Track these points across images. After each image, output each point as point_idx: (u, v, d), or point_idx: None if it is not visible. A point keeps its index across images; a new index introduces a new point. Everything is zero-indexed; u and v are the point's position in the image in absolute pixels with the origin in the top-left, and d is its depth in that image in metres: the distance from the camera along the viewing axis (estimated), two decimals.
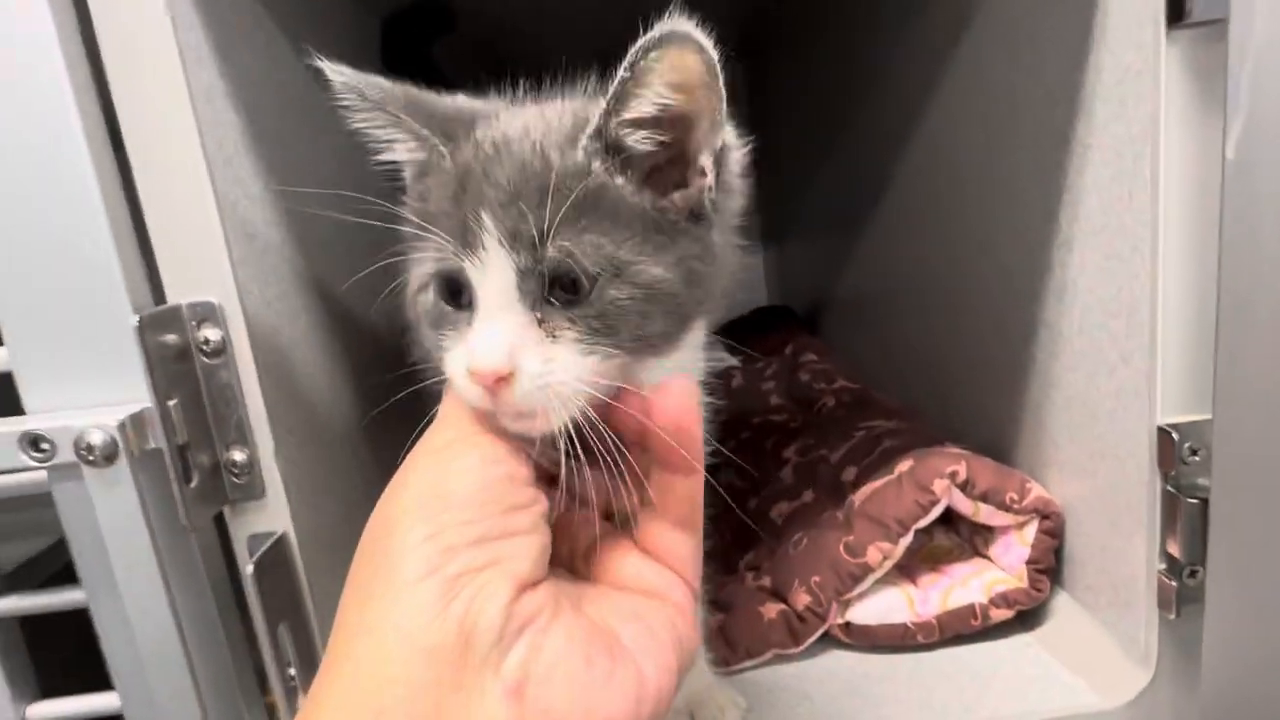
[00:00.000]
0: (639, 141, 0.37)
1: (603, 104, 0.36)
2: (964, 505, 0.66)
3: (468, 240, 0.36)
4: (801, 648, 0.65)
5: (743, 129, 0.43)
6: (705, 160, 0.38)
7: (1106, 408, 0.58)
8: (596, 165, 0.37)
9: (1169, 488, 0.52)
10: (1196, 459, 0.51)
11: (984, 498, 0.66)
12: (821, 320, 1.35)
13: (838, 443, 0.86)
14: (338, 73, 0.39)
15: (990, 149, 0.71)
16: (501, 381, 0.35)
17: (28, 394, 0.47)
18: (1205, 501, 0.50)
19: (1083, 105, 0.56)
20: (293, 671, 0.51)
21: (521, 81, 0.44)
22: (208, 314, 0.48)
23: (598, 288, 0.36)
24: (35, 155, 0.45)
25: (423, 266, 0.39)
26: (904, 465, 0.69)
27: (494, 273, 0.36)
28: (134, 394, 0.46)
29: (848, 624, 0.66)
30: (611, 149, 0.37)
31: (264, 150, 0.55)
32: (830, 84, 1.12)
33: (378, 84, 0.40)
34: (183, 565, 0.48)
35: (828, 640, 0.67)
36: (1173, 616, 0.52)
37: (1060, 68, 0.58)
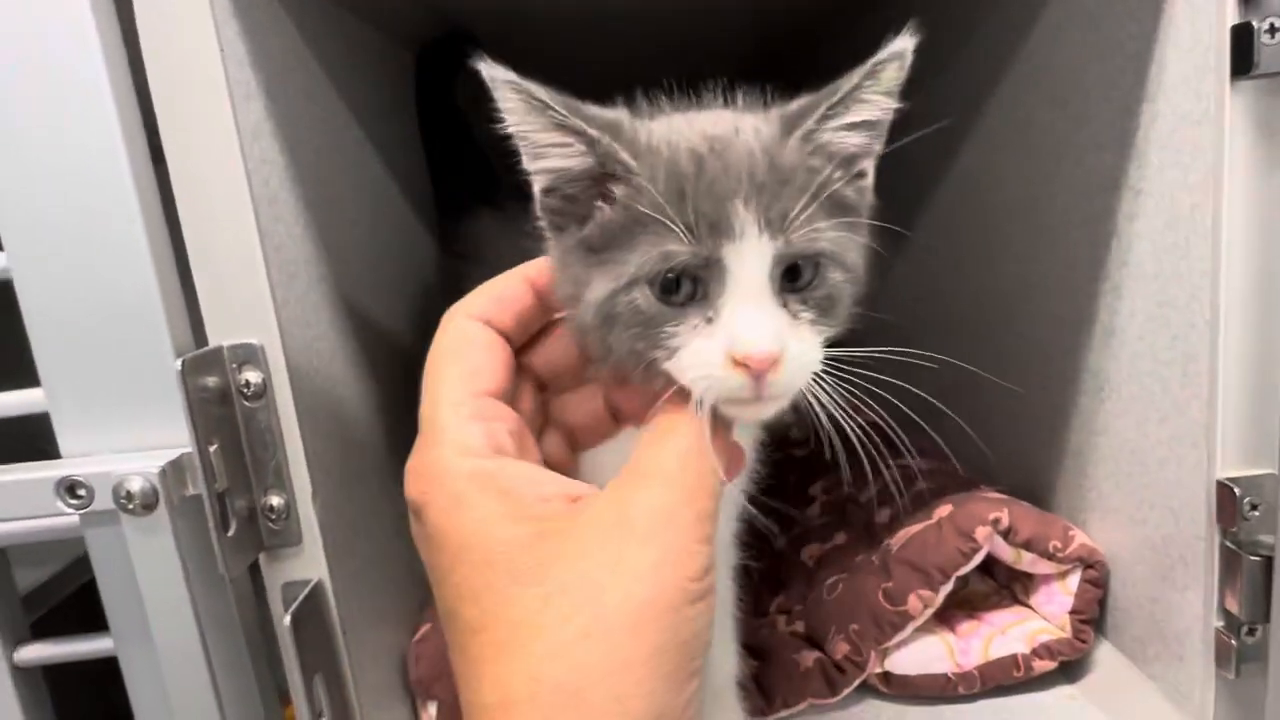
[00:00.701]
0: (849, 143, 0.40)
1: (819, 108, 0.39)
2: (1005, 553, 0.65)
3: (719, 229, 0.36)
4: (839, 698, 0.64)
5: None
6: (869, 162, 0.42)
7: (1158, 456, 0.57)
8: (815, 161, 0.39)
9: (1228, 544, 0.50)
10: (1257, 514, 0.50)
11: (1026, 545, 0.64)
12: (840, 346, 1.34)
13: (865, 481, 0.85)
14: (505, 73, 0.38)
15: (1032, 187, 0.70)
16: (772, 366, 0.35)
17: (64, 437, 0.45)
18: (1268, 559, 0.48)
19: (1134, 151, 0.55)
20: None
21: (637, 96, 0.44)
22: (249, 356, 0.47)
23: (822, 271, 0.38)
24: (77, 193, 0.44)
25: (622, 267, 0.37)
26: (943, 510, 0.68)
27: (751, 259, 0.36)
28: (174, 438, 0.45)
29: (887, 674, 0.64)
30: (822, 148, 0.40)
31: (305, 188, 0.54)
32: None
33: (541, 87, 0.38)
34: (218, 615, 0.47)
35: (865, 690, 0.65)
36: (1231, 676, 0.51)
37: (1110, 113, 0.57)
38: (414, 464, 0.38)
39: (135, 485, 0.42)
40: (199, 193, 0.45)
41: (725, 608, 0.57)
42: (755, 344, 0.35)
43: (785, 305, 0.38)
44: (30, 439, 0.48)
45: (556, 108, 0.37)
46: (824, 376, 0.39)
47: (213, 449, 0.45)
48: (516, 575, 0.34)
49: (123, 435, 0.45)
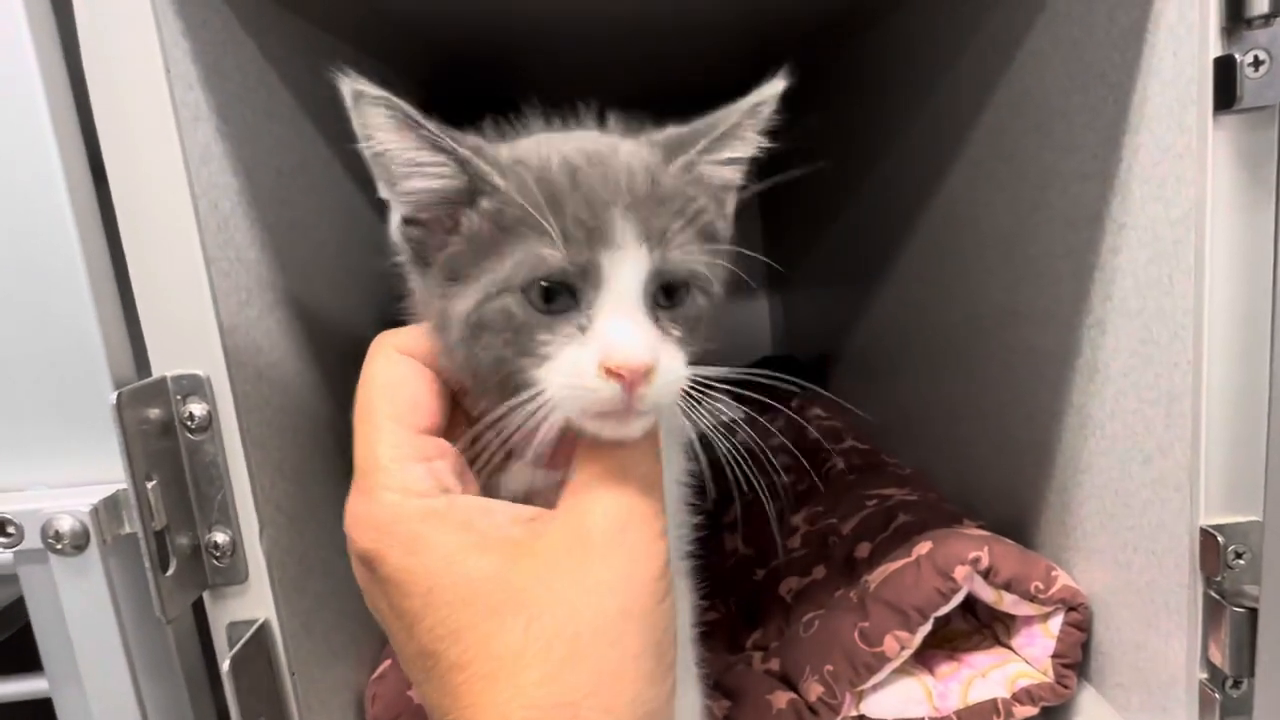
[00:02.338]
0: (722, 175, 0.41)
1: (701, 140, 0.40)
2: (986, 593, 0.63)
3: (596, 236, 0.35)
4: None
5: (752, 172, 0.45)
6: (732, 196, 0.43)
7: (1142, 498, 0.55)
8: (691, 189, 0.39)
9: (1212, 593, 0.48)
10: (1241, 563, 0.48)
11: (1008, 586, 0.62)
12: (828, 373, 1.32)
13: (848, 512, 0.83)
14: (372, 88, 0.36)
15: (1016, 218, 0.68)
16: (644, 377, 0.34)
17: None
18: (1253, 610, 0.46)
19: (1118, 182, 0.54)
20: None
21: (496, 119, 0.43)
22: (194, 387, 0.45)
23: (692, 293, 0.38)
24: (8, 211, 0.42)
25: (492, 276, 0.36)
26: (923, 547, 0.66)
27: (628, 269, 0.36)
28: (110, 473, 0.43)
29: (862, 717, 0.62)
30: (699, 178, 0.40)
31: (261, 211, 0.52)
32: (846, 135, 1.10)
33: (409, 105, 0.37)
34: (155, 658, 0.45)
35: None
36: None
37: (1094, 143, 0.56)
38: (357, 512, 0.37)
39: (64, 524, 0.40)
40: (142, 217, 0.44)
41: (684, 653, 0.55)
42: (630, 354, 0.34)
43: (656, 321, 0.37)
44: None
45: (429, 126, 0.36)
46: (693, 395, 0.38)
47: (152, 484, 0.43)
48: (495, 608, 0.34)
49: (59, 470, 0.44)
